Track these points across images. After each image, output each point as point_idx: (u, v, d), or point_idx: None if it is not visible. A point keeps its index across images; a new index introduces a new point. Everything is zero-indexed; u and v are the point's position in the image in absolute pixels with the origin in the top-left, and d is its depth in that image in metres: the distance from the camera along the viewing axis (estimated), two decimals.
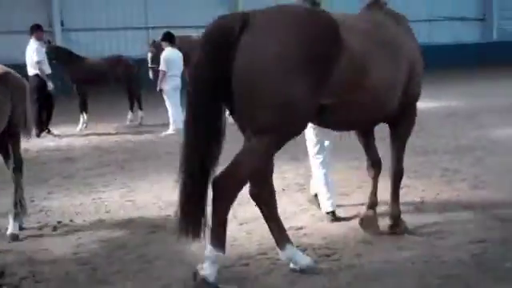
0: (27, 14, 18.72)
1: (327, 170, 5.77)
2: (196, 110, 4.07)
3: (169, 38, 11.62)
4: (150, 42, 13.00)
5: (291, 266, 4.45)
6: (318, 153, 5.78)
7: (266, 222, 4.54)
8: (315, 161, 5.81)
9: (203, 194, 4.10)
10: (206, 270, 4.09)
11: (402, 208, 5.25)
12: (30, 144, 10.59)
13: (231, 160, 4.08)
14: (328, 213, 5.65)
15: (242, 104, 3.98)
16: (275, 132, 4.00)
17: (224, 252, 4.16)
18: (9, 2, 19.26)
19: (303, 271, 4.39)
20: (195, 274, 4.15)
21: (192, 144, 4.11)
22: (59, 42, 18.68)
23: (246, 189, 6.87)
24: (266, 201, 4.48)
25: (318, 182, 5.78)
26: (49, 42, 12.70)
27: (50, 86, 11.24)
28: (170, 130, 11.43)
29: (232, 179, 4.06)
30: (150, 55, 12.57)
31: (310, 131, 5.72)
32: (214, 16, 4.22)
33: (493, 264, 4.46)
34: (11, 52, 16.77)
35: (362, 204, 5.60)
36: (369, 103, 4.40)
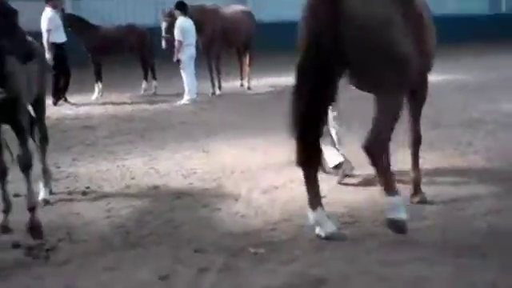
0: None
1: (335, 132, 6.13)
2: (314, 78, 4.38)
3: (182, 7, 11.66)
4: (164, 11, 12.65)
5: (317, 231, 4.66)
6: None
7: (306, 182, 4.74)
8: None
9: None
10: (402, 214, 4.47)
11: None
12: (49, 112, 10.84)
13: (372, 125, 4.44)
14: (334, 167, 6.00)
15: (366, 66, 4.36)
16: (402, 87, 4.52)
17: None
18: None
19: (328, 238, 4.61)
20: (391, 220, 4.46)
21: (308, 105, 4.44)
22: (69, 9, 18.68)
23: (262, 157, 7.16)
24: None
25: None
26: (63, 11, 12.77)
27: (48, 57, 10.93)
28: (185, 100, 11.59)
29: (380, 143, 4.51)
30: (164, 24, 12.24)
31: None
32: None
33: (509, 233, 4.66)
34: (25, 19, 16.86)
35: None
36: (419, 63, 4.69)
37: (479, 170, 6.44)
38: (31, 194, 4.91)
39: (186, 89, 11.66)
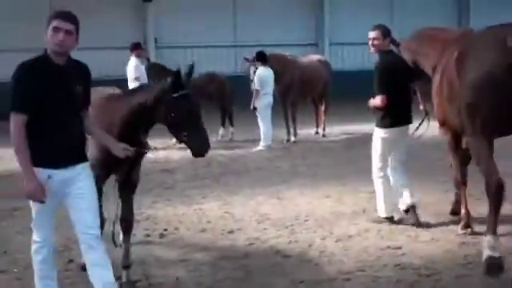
0: (123, 31, 19.74)
1: (397, 177, 6.26)
2: None
3: (262, 57, 11.97)
4: (249, 59, 12.52)
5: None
6: (381, 169, 6.27)
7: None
8: (377, 179, 6.32)
9: None
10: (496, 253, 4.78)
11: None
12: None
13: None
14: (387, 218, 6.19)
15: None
16: None
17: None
18: (106, 19, 20.25)
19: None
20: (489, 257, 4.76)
21: None
22: (153, 58, 19.55)
23: (336, 205, 7.14)
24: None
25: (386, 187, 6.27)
26: (148, 60, 13.36)
27: None
28: (261, 146, 11.77)
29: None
30: (252, 69, 12.20)
31: (379, 143, 6.21)
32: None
33: None
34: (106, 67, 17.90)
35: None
36: None
37: None
38: (128, 253, 4.91)
39: (262, 136, 11.86)
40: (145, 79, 12.23)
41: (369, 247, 5.61)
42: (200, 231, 6.34)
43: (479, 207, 6.06)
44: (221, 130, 13.33)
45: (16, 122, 3.80)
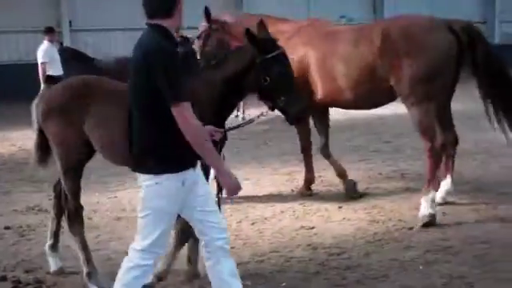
0: (36, 13, 18.99)
1: None
2: None
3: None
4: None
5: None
6: None
7: None
8: None
9: None
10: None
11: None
12: None
13: None
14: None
15: None
16: None
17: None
18: (17, 2, 19.43)
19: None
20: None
21: None
22: (67, 42, 18.93)
23: (258, 189, 7.21)
24: None
25: None
26: (61, 44, 12.95)
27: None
28: None
29: None
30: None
31: None
32: None
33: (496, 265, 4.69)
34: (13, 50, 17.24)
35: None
36: None
37: (468, 200, 6.47)
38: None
39: None
40: (56, 64, 11.85)
41: (283, 228, 5.71)
42: (114, 219, 6.24)
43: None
44: None
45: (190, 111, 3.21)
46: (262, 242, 5.40)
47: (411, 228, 5.59)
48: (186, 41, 10.60)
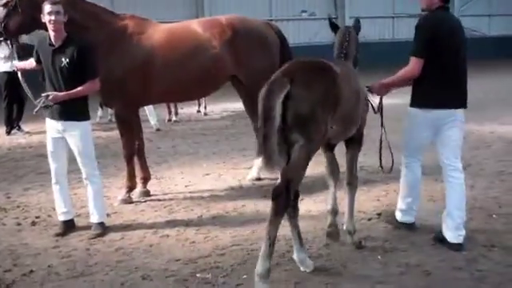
0: None
1: None
2: None
3: None
4: None
5: None
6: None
7: None
8: None
9: None
10: None
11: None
12: (1, 141, 10.71)
13: None
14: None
15: None
16: None
17: None
18: None
19: None
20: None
21: None
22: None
23: (219, 183, 7.22)
24: None
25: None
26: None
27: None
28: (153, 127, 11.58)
29: None
30: None
31: None
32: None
33: None
34: None
35: None
36: None
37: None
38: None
39: (149, 116, 11.64)
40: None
41: (245, 222, 5.74)
42: (74, 216, 6.16)
43: None
44: (99, 112, 12.94)
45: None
46: (223, 235, 5.42)
47: (370, 219, 5.70)
48: None
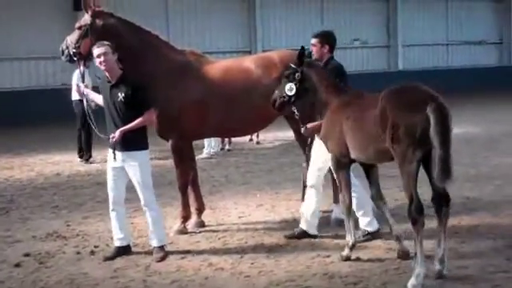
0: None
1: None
2: None
3: None
4: None
5: None
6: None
7: None
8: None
9: None
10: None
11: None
12: (61, 169, 11.02)
13: None
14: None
15: None
16: None
17: None
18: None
19: None
20: None
21: None
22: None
23: (273, 215, 7.22)
24: None
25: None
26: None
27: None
28: (204, 154, 11.73)
29: None
30: None
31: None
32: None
33: None
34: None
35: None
36: None
37: (486, 226, 6.44)
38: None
39: (206, 143, 11.82)
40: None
41: (299, 257, 5.71)
42: (130, 243, 6.27)
43: None
44: None
45: None
46: (278, 270, 5.40)
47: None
48: None
